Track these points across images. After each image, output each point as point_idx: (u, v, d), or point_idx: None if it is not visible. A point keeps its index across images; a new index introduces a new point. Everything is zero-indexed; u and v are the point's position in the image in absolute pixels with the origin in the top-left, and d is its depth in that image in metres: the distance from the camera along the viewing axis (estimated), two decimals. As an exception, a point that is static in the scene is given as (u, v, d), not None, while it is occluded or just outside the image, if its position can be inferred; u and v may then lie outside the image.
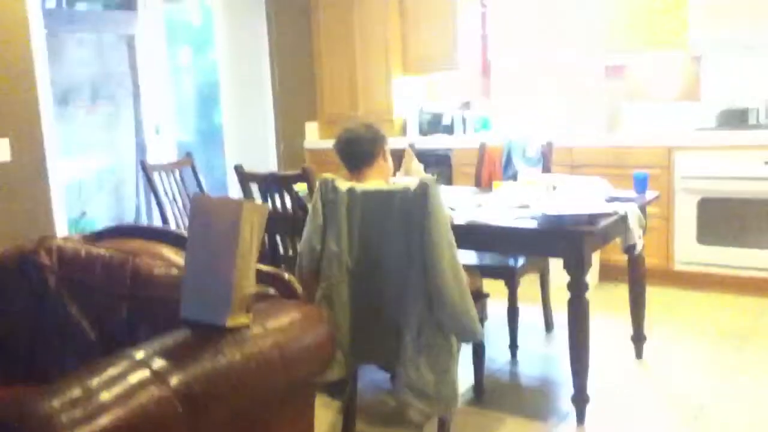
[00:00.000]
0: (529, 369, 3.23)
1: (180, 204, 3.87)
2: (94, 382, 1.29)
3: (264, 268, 1.81)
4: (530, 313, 3.60)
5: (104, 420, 1.22)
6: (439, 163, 4.78)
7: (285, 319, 1.68)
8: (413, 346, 2.24)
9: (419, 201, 2.17)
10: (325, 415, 2.72)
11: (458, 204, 2.90)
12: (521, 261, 3.16)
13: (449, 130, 5.16)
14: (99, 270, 2.00)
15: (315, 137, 5.65)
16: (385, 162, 2.62)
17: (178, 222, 3.84)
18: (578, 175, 3.85)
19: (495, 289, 2.98)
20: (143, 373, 1.34)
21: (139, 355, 1.40)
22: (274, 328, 1.62)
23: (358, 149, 2.55)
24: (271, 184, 2.95)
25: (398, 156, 3.19)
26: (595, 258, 4.02)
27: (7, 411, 1.24)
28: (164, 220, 3.82)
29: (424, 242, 2.17)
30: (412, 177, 3.11)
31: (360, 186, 2.36)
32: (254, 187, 3.08)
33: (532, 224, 2.53)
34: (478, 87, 5.27)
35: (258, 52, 5.29)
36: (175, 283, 1.78)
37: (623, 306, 3.21)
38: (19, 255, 2.15)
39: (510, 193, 2.94)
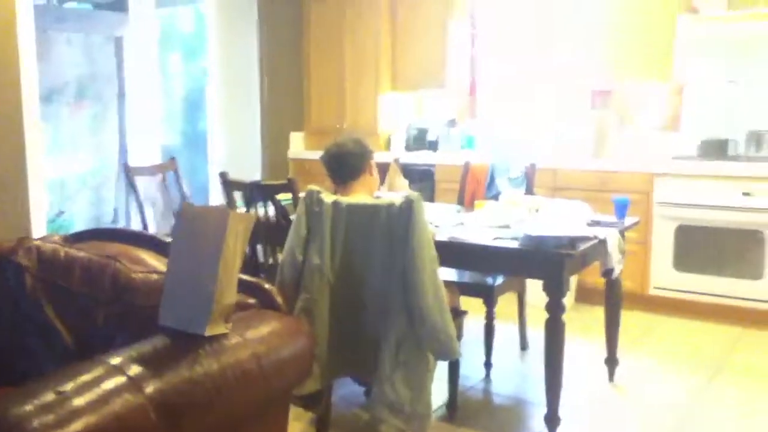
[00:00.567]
0: (503, 387, 3.24)
1: (161, 207, 3.84)
2: (68, 386, 1.27)
3: (245, 277, 1.80)
4: (506, 331, 3.61)
5: (76, 425, 1.20)
6: (422, 179, 4.80)
7: (264, 329, 1.67)
8: (390, 362, 2.24)
9: (404, 216, 2.19)
10: (298, 427, 2.70)
11: (441, 221, 2.91)
12: (500, 279, 3.18)
13: (434, 146, 5.20)
14: (78, 273, 1.97)
15: (300, 147, 5.65)
16: (371, 176, 2.63)
17: (158, 226, 3.82)
18: (561, 197, 3.88)
19: (472, 307, 2.99)
20: (118, 380, 1.33)
21: (115, 360, 1.39)
22: (254, 338, 1.61)
23: (346, 163, 2.57)
24: (256, 193, 2.95)
25: (383, 170, 3.20)
26: (573, 279, 4.05)
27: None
28: (144, 223, 3.80)
29: (407, 258, 2.18)
30: (396, 192, 3.13)
31: (345, 199, 2.37)
32: (237, 195, 3.07)
33: (513, 244, 2.55)
34: (465, 106, 5.31)
35: (248, 61, 5.32)
36: (155, 289, 1.77)
37: (598, 328, 3.24)
38: (-3, 254, 2.11)
39: (492, 213, 2.96)
